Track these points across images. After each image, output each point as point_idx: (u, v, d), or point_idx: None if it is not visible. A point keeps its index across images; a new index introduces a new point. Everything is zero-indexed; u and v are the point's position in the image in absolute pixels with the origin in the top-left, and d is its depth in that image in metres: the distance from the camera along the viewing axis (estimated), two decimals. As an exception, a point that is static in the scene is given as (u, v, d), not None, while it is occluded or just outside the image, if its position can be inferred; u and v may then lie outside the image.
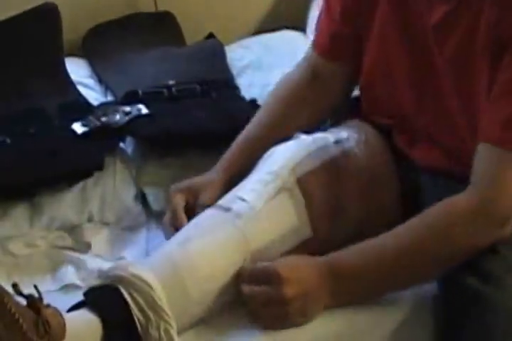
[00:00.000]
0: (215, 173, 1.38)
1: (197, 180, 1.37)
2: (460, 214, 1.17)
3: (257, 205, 1.24)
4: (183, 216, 1.29)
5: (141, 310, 1.09)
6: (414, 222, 1.19)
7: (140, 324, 1.10)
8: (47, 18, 1.68)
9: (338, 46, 1.40)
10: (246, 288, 1.16)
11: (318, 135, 1.37)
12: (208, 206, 1.28)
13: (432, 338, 1.24)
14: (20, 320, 1.00)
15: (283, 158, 1.30)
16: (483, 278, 1.15)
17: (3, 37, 1.64)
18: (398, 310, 1.24)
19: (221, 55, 1.81)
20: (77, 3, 1.86)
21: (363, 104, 1.44)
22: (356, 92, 1.62)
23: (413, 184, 1.35)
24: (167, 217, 1.32)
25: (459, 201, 1.18)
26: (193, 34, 1.95)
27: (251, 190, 1.26)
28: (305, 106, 1.43)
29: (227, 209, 1.24)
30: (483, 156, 1.18)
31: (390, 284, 1.20)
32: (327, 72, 1.43)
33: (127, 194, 1.47)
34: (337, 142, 1.34)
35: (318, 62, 1.44)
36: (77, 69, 1.75)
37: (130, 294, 1.10)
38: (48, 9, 1.67)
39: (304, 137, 1.36)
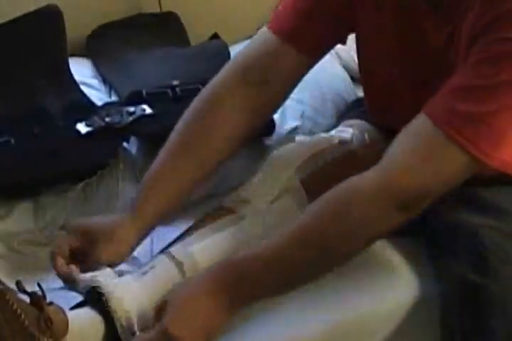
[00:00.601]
0: (126, 218, 1.21)
1: (99, 221, 1.20)
2: (361, 190, 1.10)
3: (261, 206, 1.24)
4: (63, 269, 1.17)
5: None
6: (317, 201, 1.12)
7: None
8: (50, 19, 1.68)
9: (304, 33, 1.27)
10: None
11: (322, 136, 1.37)
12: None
13: (435, 337, 1.24)
14: (22, 316, 1.01)
15: (287, 159, 1.30)
16: (480, 270, 1.16)
17: (7, 38, 1.64)
18: (400, 309, 1.25)
19: (226, 56, 1.80)
20: (81, 3, 1.86)
21: (369, 109, 1.44)
22: (359, 94, 1.64)
23: None
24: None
25: (364, 178, 1.11)
26: (197, 34, 1.95)
27: (254, 191, 1.27)
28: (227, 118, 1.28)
29: (231, 211, 1.25)
30: (411, 126, 1.11)
31: (292, 274, 1.11)
32: (282, 55, 1.28)
33: (131, 193, 1.47)
34: (341, 143, 1.34)
35: (273, 45, 1.29)
36: (81, 70, 1.76)
37: None
38: (50, 11, 1.67)
39: (307, 139, 1.36)
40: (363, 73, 1.41)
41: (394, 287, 1.26)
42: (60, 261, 1.18)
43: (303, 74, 1.32)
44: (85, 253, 1.18)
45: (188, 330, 1.07)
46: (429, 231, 1.26)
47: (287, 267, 1.10)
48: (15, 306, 1.00)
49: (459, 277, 1.17)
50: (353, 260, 1.20)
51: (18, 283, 1.07)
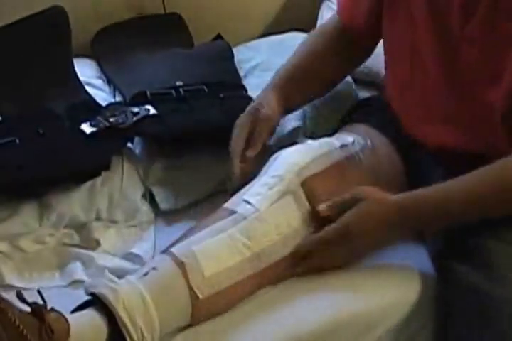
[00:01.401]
0: (268, 93, 1.44)
1: (256, 103, 1.43)
2: None
3: (262, 208, 1.25)
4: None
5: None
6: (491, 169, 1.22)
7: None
8: (55, 20, 1.68)
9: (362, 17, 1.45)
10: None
11: (324, 139, 1.38)
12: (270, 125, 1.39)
13: (432, 338, 1.25)
14: (25, 331, 1.02)
15: (288, 162, 1.31)
16: (488, 277, 1.17)
17: (12, 39, 1.64)
18: (400, 307, 1.26)
19: (229, 56, 1.81)
20: (85, 4, 1.87)
21: (388, 83, 1.46)
22: (361, 95, 1.65)
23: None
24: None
25: None
26: (201, 35, 1.95)
27: (256, 193, 1.27)
28: (334, 56, 1.50)
29: (233, 212, 1.25)
30: None
31: (467, 215, 1.23)
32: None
33: (135, 193, 1.48)
34: (342, 146, 1.35)
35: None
36: (86, 70, 1.76)
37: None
38: (55, 12, 1.67)
39: (309, 142, 1.37)
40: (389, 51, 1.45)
41: (389, 287, 1.27)
42: (240, 145, 1.38)
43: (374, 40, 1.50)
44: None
45: (364, 233, 1.22)
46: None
47: (465, 211, 1.22)
48: (17, 322, 1.02)
49: (466, 283, 1.18)
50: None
51: (18, 293, 1.07)
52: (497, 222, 1.23)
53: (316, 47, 1.51)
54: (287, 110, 1.47)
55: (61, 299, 1.17)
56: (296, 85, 1.46)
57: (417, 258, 1.32)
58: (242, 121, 1.40)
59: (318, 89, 1.53)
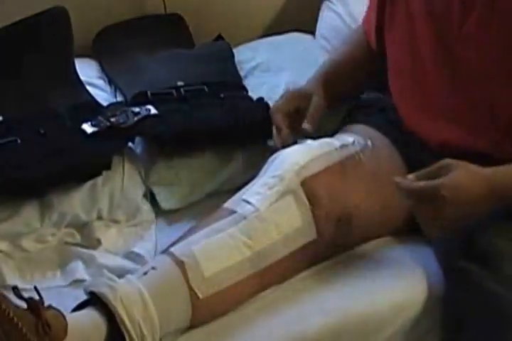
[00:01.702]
0: (314, 84, 1.51)
1: (305, 86, 1.51)
2: None
3: (262, 208, 1.25)
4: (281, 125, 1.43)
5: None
6: None
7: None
8: (57, 21, 1.68)
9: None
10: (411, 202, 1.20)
11: (324, 140, 1.38)
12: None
13: (440, 339, 1.26)
14: (20, 324, 1.02)
15: (288, 162, 1.31)
16: (499, 280, 1.16)
17: (14, 39, 1.65)
18: (408, 308, 1.27)
19: (229, 57, 1.81)
20: (87, 5, 1.88)
21: (390, 84, 1.46)
22: (362, 96, 1.65)
23: None
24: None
25: None
26: (201, 36, 1.96)
27: (256, 193, 1.27)
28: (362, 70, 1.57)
29: (233, 212, 1.26)
30: None
31: None
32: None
33: (136, 193, 1.48)
34: (342, 147, 1.35)
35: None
36: (87, 70, 1.76)
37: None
38: (57, 12, 1.67)
39: (309, 142, 1.37)
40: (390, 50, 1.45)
41: (397, 288, 1.27)
42: (280, 118, 1.44)
43: None
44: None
45: (456, 199, 1.15)
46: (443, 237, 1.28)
47: None
48: (11, 314, 1.01)
49: (479, 286, 1.17)
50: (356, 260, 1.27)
51: (14, 289, 1.07)
52: (507, 222, 1.22)
53: (352, 50, 1.59)
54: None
55: (61, 299, 1.18)
56: (336, 84, 1.53)
57: (423, 258, 1.32)
58: (290, 94, 1.49)
59: (352, 90, 1.60)
